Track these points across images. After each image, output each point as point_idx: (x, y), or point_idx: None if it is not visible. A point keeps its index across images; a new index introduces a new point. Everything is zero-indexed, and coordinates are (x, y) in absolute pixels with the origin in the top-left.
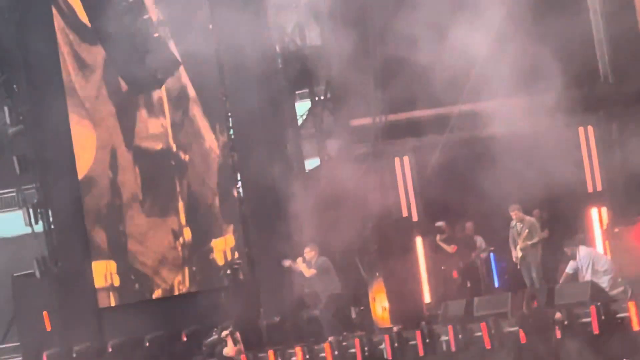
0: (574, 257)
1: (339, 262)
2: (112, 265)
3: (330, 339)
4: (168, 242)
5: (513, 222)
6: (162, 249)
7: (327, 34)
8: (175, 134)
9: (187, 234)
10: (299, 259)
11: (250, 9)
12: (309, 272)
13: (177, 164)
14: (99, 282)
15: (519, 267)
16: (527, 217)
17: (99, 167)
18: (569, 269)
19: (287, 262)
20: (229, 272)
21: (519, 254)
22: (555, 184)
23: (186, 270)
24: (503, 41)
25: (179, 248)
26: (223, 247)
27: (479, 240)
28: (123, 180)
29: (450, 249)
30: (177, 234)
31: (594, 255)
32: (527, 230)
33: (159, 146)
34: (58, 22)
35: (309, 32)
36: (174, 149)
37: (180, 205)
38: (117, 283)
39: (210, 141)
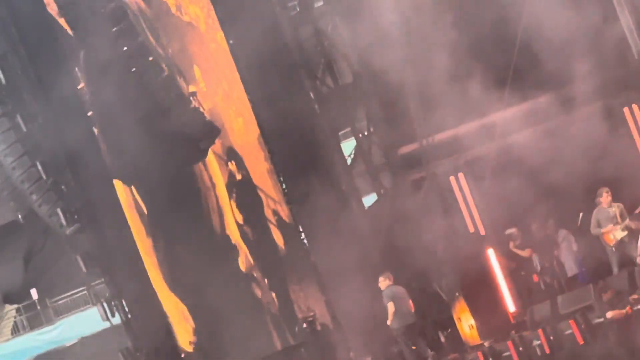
0: None
1: (416, 291)
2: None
3: None
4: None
5: (603, 206)
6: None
7: (356, 69)
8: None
9: (264, 296)
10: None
11: (277, 62)
12: (391, 311)
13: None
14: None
15: (614, 249)
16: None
17: None
18: None
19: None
20: (304, 325)
21: (620, 235)
22: (611, 167)
23: (272, 331)
24: (531, 38)
25: (259, 312)
26: (297, 300)
27: (562, 234)
28: None
29: (525, 253)
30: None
31: None
32: (619, 212)
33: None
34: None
35: (338, 70)
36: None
37: (258, 275)
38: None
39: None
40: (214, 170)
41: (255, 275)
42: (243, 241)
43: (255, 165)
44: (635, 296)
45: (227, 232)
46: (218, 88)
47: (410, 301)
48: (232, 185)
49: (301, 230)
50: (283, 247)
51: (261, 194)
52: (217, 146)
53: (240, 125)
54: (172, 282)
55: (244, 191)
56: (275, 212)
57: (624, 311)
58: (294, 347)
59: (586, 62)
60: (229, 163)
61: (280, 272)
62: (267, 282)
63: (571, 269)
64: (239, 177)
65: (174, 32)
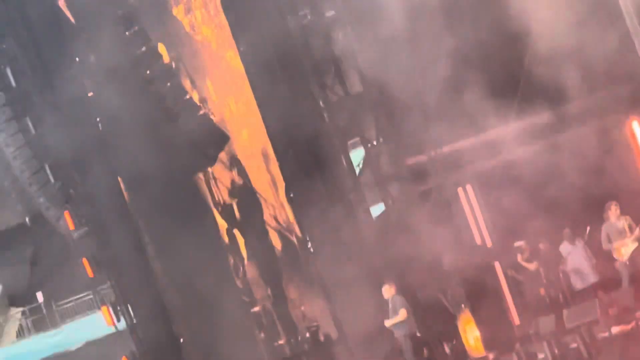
0: None
1: (421, 302)
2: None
3: None
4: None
5: (611, 221)
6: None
7: (366, 79)
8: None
9: (266, 304)
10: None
11: (287, 70)
12: (403, 316)
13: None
14: None
15: (627, 263)
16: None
17: None
18: None
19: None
20: (307, 335)
21: (632, 247)
22: (619, 181)
23: (274, 340)
24: (544, 51)
25: (260, 319)
26: (302, 309)
27: (579, 243)
28: None
29: (532, 266)
30: (254, 307)
31: None
32: (628, 225)
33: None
34: None
35: (348, 79)
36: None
37: (260, 284)
38: None
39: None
40: (219, 178)
41: (256, 283)
42: (245, 249)
43: (257, 176)
44: None
45: (228, 239)
46: (226, 101)
47: None
48: (235, 193)
49: (308, 239)
50: (283, 255)
51: (262, 201)
52: (222, 154)
53: (245, 137)
54: (170, 289)
55: (246, 198)
56: (276, 219)
57: (629, 327)
58: (295, 356)
59: (596, 77)
60: (232, 171)
61: (283, 280)
62: (270, 291)
63: (589, 276)
64: (241, 185)
65: (187, 47)
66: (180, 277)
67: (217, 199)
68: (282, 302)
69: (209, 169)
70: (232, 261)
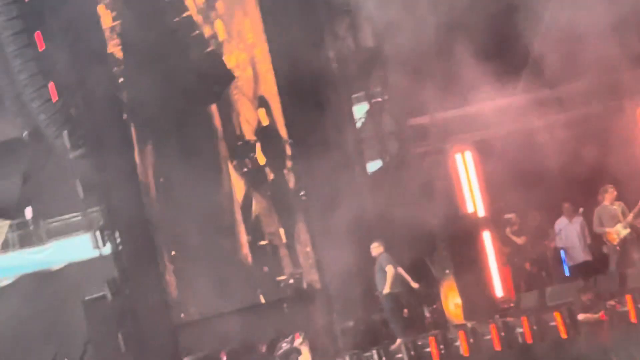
0: None
1: (407, 263)
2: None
3: (398, 340)
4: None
5: (605, 204)
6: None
7: (379, 35)
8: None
9: (253, 246)
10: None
11: (301, 16)
12: (391, 272)
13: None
14: (172, 297)
15: (618, 248)
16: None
17: None
18: None
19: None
20: (291, 281)
21: (624, 233)
22: (618, 167)
23: (258, 283)
24: (556, 29)
25: (246, 262)
26: (287, 256)
27: (578, 220)
28: None
29: (520, 240)
30: (242, 248)
31: None
32: (621, 211)
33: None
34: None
35: (361, 34)
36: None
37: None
38: (191, 298)
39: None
40: (243, 114)
41: (266, 217)
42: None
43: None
44: (612, 302)
45: (233, 182)
46: (261, 39)
47: None
48: (259, 130)
49: (300, 187)
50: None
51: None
52: (249, 92)
53: (271, 77)
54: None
55: (269, 135)
56: (275, 167)
57: (596, 315)
58: (276, 301)
59: (609, 58)
60: (258, 109)
61: (296, 215)
62: (257, 234)
63: (579, 254)
64: (265, 123)
65: None
66: (176, 210)
67: (238, 133)
68: (270, 247)
69: (234, 104)
70: (227, 202)
